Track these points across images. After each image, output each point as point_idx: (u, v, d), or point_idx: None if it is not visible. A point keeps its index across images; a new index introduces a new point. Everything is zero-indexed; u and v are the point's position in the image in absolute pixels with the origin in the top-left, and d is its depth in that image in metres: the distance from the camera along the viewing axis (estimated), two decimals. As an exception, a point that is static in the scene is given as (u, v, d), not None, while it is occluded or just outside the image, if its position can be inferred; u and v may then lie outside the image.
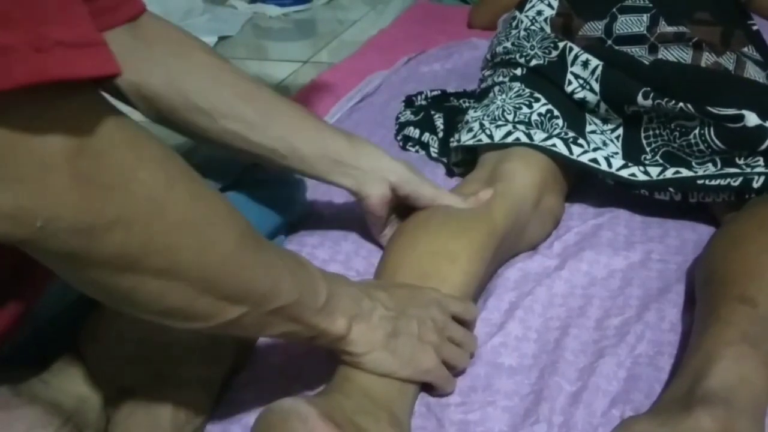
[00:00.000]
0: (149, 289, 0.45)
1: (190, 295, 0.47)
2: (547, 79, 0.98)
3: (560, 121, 0.93)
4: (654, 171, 0.90)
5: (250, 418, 0.64)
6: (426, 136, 1.14)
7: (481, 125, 0.94)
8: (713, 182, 0.86)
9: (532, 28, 1.10)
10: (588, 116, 0.97)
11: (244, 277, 0.50)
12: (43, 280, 0.56)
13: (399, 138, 1.17)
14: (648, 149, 0.92)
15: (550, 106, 0.95)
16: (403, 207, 0.83)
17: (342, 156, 0.79)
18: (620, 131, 0.95)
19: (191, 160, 0.48)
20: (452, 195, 0.82)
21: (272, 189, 0.86)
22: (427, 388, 0.67)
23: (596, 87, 0.94)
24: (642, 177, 0.90)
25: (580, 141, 0.92)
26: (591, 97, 0.95)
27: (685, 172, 0.88)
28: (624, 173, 0.90)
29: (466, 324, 0.70)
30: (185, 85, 0.72)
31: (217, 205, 0.49)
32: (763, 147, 0.83)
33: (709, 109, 0.85)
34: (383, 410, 0.60)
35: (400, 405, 0.62)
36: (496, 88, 1.00)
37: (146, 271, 0.44)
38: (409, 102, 1.27)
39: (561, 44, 1.00)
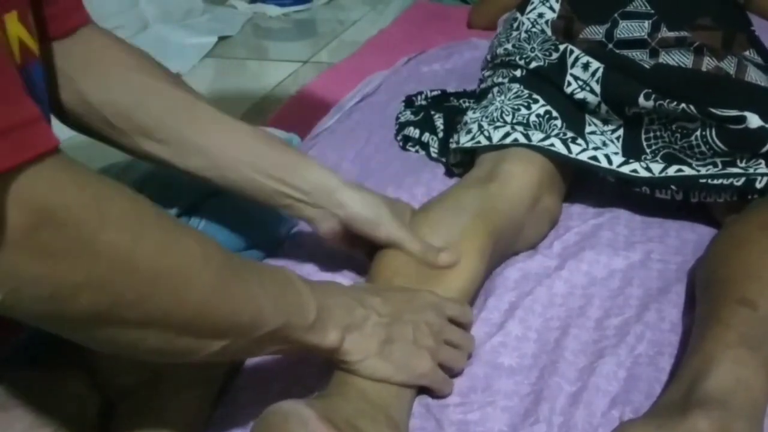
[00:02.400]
0: (127, 337, 0.45)
1: (169, 337, 0.47)
2: (546, 81, 0.98)
3: (559, 122, 0.93)
4: (656, 168, 0.89)
5: (249, 419, 0.64)
6: (426, 136, 1.14)
7: (480, 126, 0.94)
8: (716, 181, 0.85)
9: (533, 30, 1.10)
10: (588, 117, 0.97)
11: (223, 315, 0.50)
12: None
13: (399, 138, 1.17)
14: (648, 150, 0.92)
15: (548, 107, 0.94)
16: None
17: (292, 185, 0.72)
18: (620, 132, 0.95)
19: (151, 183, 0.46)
20: (416, 241, 0.73)
21: (246, 211, 0.81)
22: (426, 389, 0.67)
23: (596, 88, 0.94)
24: (644, 173, 0.89)
25: (579, 140, 0.92)
26: (591, 98, 0.95)
27: (687, 171, 0.88)
28: (625, 169, 0.90)
29: (463, 326, 0.70)
30: (121, 99, 0.67)
31: (190, 249, 0.48)
32: (765, 149, 0.83)
33: (711, 110, 0.85)
34: (381, 413, 0.60)
35: (397, 407, 0.62)
36: (495, 89, 1.00)
37: (121, 324, 0.44)
38: (409, 102, 1.27)
39: (561, 47, 1.00)
